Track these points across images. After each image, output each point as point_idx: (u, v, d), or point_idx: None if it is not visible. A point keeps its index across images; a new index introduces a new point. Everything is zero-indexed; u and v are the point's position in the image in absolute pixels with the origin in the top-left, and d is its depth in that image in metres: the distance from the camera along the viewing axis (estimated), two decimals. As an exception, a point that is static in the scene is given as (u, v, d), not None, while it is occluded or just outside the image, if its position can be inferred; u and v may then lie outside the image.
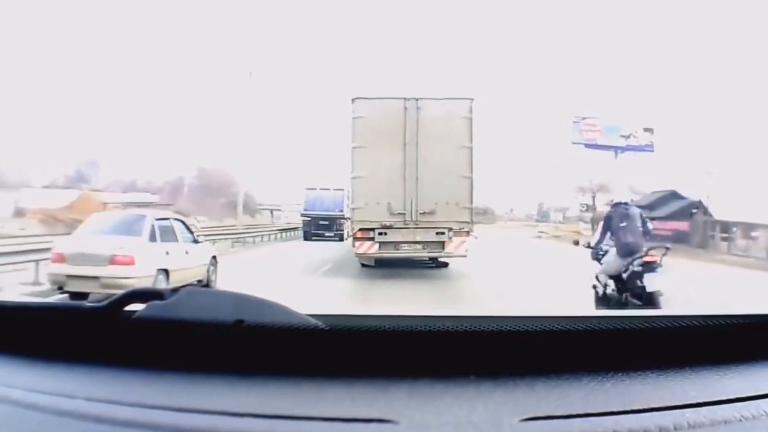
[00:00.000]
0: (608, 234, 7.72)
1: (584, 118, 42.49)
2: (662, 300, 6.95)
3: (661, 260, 7.17)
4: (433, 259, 14.26)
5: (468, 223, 12.63)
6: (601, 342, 1.03)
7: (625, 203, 7.80)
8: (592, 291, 7.95)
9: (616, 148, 42.24)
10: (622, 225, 7.41)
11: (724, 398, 0.93)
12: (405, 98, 12.61)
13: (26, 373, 1.01)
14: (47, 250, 9.61)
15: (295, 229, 33.89)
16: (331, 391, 0.93)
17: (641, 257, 7.17)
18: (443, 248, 12.75)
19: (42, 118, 54.08)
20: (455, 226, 12.54)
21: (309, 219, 30.49)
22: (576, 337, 1.02)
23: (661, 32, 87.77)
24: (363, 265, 13.89)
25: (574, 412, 0.89)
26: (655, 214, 28.16)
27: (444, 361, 0.99)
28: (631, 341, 1.04)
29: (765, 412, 0.91)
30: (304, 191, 31.57)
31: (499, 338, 1.01)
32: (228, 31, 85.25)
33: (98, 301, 1.04)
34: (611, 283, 7.59)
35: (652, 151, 42.70)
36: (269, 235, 30.66)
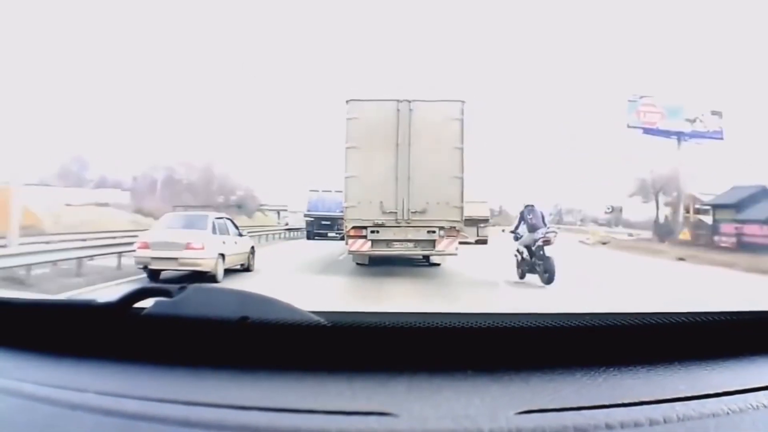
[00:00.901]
0: (522, 222, 12.19)
1: (642, 97, 35.80)
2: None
3: (553, 240, 11.66)
4: (426, 258, 14.31)
5: (458, 222, 12.65)
6: (594, 338, 1.04)
7: (532, 205, 12.27)
8: (515, 258, 12.21)
9: (679, 135, 35.39)
10: (530, 216, 12.04)
11: (712, 392, 0.94)
12: (398, 100, 12.62)
13: (38, 368, 1.01)
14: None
15: (298, 229, 34.03)
16: (333, 385, 0.94)
17: (542, 238, 11.54)
18: (434, 246, 12.77)
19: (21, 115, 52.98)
20: (446, 225, 12.57)
21: (312, 219, 30.86)
22: (569, 333, 1.03)
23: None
24: (357, 264, 13.91)
25: (567, 406, 0.90)
26: (743, 216, 23.72)
27: (442, 357, 1.00)
28: (622, 337, 1.05)
29: (751, 405, 0.92)
30: (308, 193, 31.82)
31: (495, 334, 1.02)
32: (230, 33, 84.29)
33: (108, 299, 1.04)
34: (525, 252, 11.93)
35: (722, 138, 35.51)
36: (274, 234, 30.93)
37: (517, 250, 12.26)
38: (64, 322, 1.09)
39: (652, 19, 76.05)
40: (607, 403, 0.90)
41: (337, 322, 1.01)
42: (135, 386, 0.93)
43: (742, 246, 23.79)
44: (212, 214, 12.76)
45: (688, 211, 37.11)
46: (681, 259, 21.48)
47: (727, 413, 0.90)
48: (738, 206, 26.81)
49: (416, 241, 12.74)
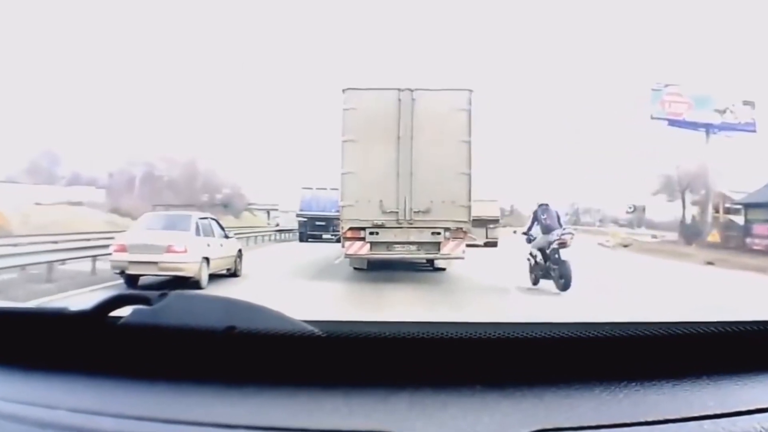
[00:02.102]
0: (536, 223, 12.31)
1: (667, 85, 35.78)
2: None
3: (570, 242, 11.62)
4: (431, 262, 14.30)
5: (465, 222, 12.64)
6: (614, 350, 1.04)
7: (546, 204, 12.30)
8: (527, 263, 12.28)
9: (708, 127, 35.18)
10: (544, 216, 12.08)
11: (744, 409, 0.94)
12: (399, 89, 12.60)
13: (4, 382, 1.01)
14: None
15: (290, 230, 34.09)
16: (328, 402, 0.94)
17: (557, 241, 11.51)
18: (439, 249, 12.75)
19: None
20: (452, 226, 12.55)
21: (305, 220, 31.01)
22: (587, 345, 1.03)
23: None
24: (355, 269, 13.91)
25: (585, 424, 0.90)
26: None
27: (447, 370, 1.00)
28: (645, 349, 1.05)
29: None
30: (300, 191, 31.89)
31: (505, 346, 1.02)
32: (212, 15, 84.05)
33: (82, 307, 1.04)
34: (539, 255, 11.92)
35: (754, 130, 35.24)
36: (263, 236, 30.92)
37: (530, 254, 12.32)
38: (33, 332, 1.08)
39: (677, 1, 75.43)
40: (628, 421, 0.90)
41: (333, 332, 1.01)
42: (111, 402, 0.93)
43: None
44: (196, 214, 12.92)
45: (717, 211, 37.05)
46: (710, 263, 21.51)
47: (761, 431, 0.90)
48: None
49: (419, 244, 12.73)
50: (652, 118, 36.65)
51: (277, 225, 39.13)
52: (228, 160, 58.57)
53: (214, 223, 13.03)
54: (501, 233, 27.50)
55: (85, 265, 13.07)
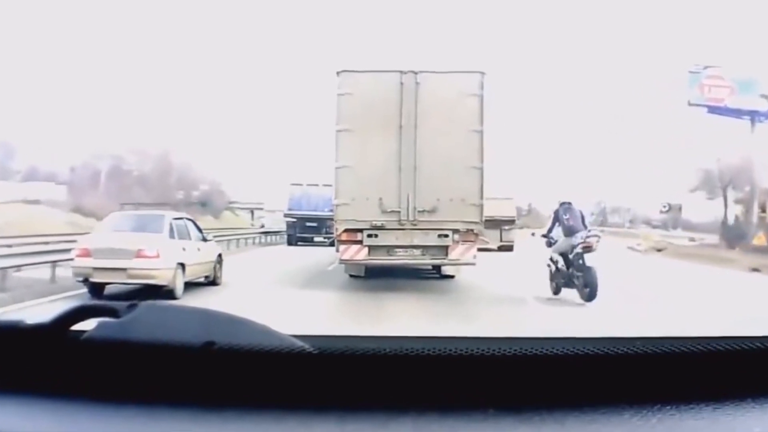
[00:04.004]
0: (557, 224, 12.39)
1: (707, 67, 35.88)
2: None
3: (595, 246, 11.62)
4: (437, 268, 14.30)
5: (477, 223, 12.63)
6: (646, 368, 1.04)
7: (569, 203, 12.41)
8: (547, 269, 12.34)
9: (753, 114, 35.35)
10: (566, 216, 12.10)
11: None
12: (401, 71, 12.59)
13: None
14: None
15: (277, 232, 34.15)
16: (320, 427, 0.94)
17: (581, 244, 11.49)
18: (446, 254, 12.73)
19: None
20: (461, 228, 12.55)
21: (294, 220, 31.03)
22: (615, 363, 1.03)
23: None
24: (351, 276, 13.91)
25: None
26: None
27: (456, 391, 1.00)
28: (681, 367, 1.05)
29: None
30: (289, 187, 31.85)
31: (522, 364, 1.02)
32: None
33: (40, 319, 1.04)
34: (561, 260, 11.97)
35: None
36: (247, 239, 30.96)
37: (551, 259, 12.39)
38: None
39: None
40: None
41: (326, 348, 1.01)
42: (73, 427, 0.93)
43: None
44: (169, 214, 13.11)
45: (764, 210, 36.98)
46: (755, 269, 21.51)
47: None
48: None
49: (424, 248, 12.72)
50: (690, 104, 36.80)
51: (262, 226, 39.20)
52: (206, 152, 58.67)
53: (190, 224, 13.11)
54: (517, 235, 27.51)
55: (44, 272, 13.04)
